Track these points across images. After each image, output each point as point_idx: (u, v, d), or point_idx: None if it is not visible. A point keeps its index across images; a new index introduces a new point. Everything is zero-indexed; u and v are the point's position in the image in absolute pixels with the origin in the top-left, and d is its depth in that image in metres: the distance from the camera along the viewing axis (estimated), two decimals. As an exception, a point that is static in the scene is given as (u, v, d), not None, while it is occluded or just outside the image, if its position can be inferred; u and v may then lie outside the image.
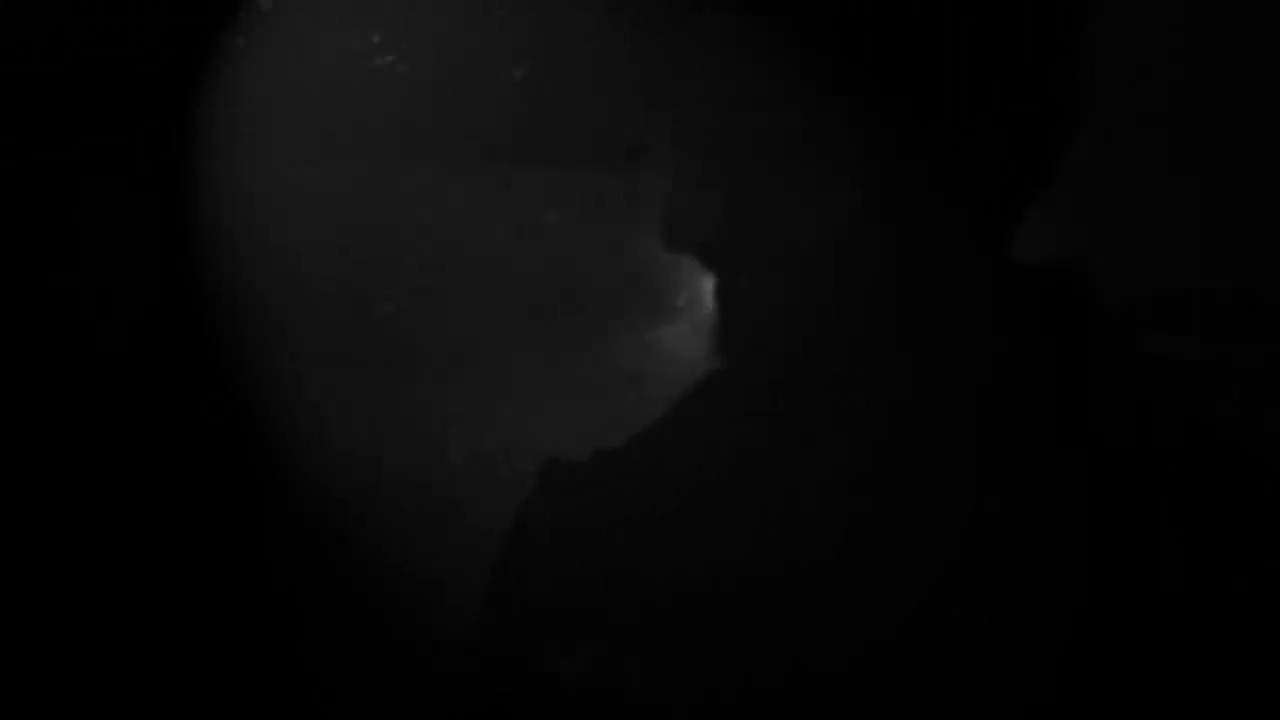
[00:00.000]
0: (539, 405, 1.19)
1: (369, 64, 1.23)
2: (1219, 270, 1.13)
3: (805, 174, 1.13)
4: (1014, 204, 1.11)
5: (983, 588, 1.01)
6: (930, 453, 1.03)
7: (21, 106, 1.20)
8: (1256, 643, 1.01)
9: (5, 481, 1.15)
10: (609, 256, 1.20)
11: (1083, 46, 1.13)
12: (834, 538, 1.03)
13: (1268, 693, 1.01)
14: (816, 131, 1.14)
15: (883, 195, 1.10)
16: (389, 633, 1.22)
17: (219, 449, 1.23)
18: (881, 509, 1.03)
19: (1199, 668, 1.01)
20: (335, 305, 1.23)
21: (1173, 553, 1.01)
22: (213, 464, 1.23)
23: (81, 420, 1.20)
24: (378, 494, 1.22)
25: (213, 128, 1.26)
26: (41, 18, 1.20)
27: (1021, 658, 1.00)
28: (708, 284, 1.19)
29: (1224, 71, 1.15)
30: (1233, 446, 1.06)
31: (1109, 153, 1.14)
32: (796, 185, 1.13)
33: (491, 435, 1.20)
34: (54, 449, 1.18)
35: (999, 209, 1.11)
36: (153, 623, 1.19)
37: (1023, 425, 1.04)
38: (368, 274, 1.22)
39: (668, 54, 1.20)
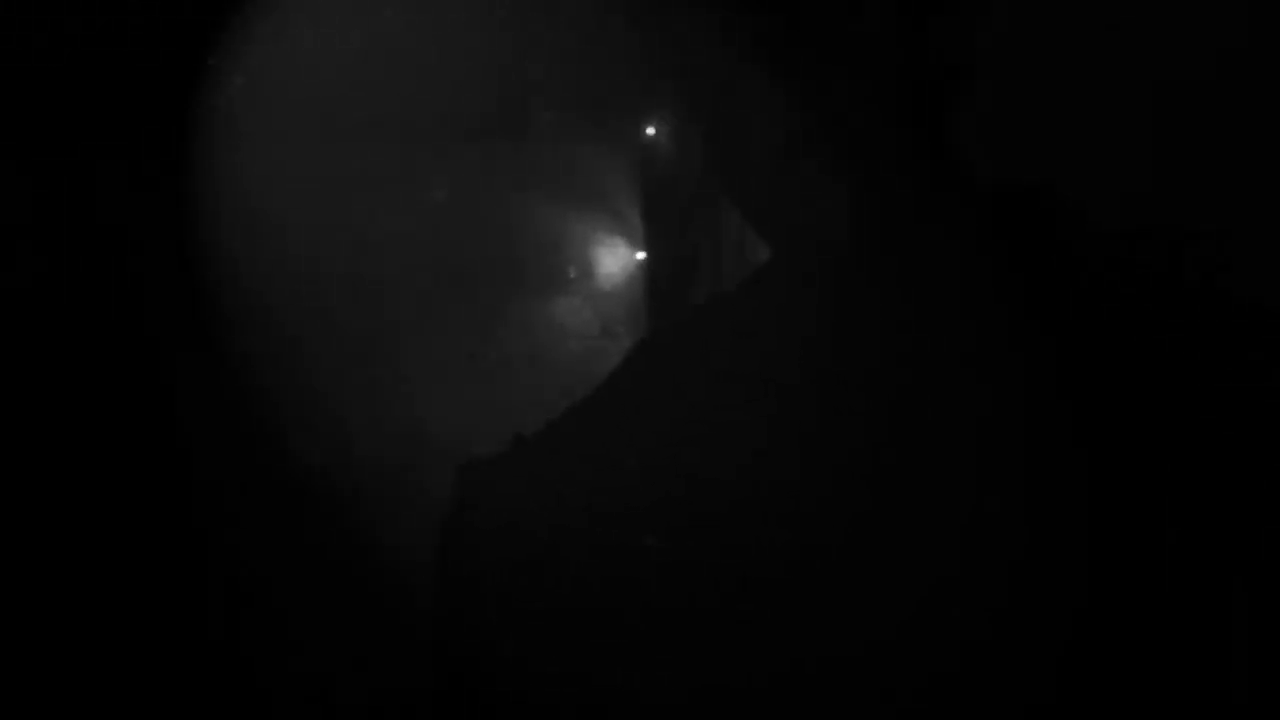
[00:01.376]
0: (440, 387, 1.18)
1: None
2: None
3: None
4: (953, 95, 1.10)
5: (983, 586, 1.01)
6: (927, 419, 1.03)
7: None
8: (1255, 640, 1.02)
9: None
10: (497, 229, 1.19)
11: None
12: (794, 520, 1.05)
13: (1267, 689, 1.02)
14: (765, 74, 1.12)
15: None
16: (317, 617, 1.21)
17: (133, 442, 1.22)
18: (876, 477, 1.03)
19: (1196, 665, 1.02)
20: (233, 297, 1.21)
21: (1171, 551, 1.01)
22: (126, 455, 1.21)
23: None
24: (288, 482, 1.20)
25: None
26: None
27: (1021, 655, 1.01)
28: (598, 255, 1.19)
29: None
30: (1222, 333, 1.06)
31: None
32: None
33: (396, 420, 1.19)
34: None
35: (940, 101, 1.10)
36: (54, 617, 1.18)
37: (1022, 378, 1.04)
38: (263, 264, 1.20)
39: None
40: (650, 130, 1.18)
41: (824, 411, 1.03)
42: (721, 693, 1.02)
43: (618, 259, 1.20)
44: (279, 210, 1.19)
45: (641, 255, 1.19)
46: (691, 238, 1.18)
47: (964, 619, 0.99)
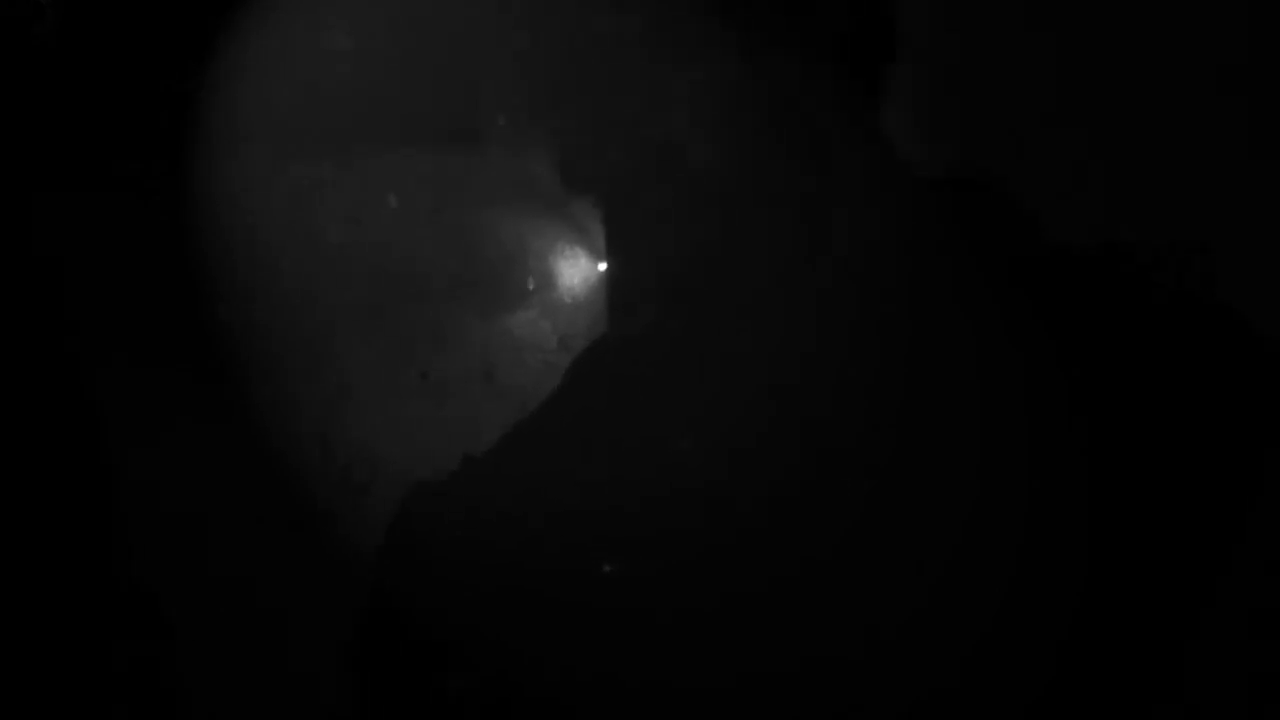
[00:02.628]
0: (389, 404, 1.15)
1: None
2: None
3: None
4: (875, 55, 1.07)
5: (983, 584, 1.00)
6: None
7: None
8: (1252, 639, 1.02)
9: None
10: (452, 240, 1.14)
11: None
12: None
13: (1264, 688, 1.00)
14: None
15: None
16: (250, 644, 1.18)
17: (57, 457, 1.19)
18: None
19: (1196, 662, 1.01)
20: (168, 306, 1.18)
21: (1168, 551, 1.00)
22: (48, 472, 1.19)
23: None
24: (230, 501, 1.18)
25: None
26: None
27: (1022, 650, 1.00)
28: (558, 266, 1.14)
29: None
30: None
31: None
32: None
33: (342, 439, 1.15)
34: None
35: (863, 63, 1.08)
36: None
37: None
38: (205, 275, 1.17)
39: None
40: (612, 138, 1.14)
41: (787, 408, 1.01)
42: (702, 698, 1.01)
43: (578, 271, 1.15)
44: (222, 220, 1.17)
45: (603, 267, 1.14)
46: (655, 248, 1.14)
47: (963, 620, 0.97)
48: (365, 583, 1.11)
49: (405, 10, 1.16)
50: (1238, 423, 1.02)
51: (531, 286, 1.15)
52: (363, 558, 1.11)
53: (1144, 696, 1.01)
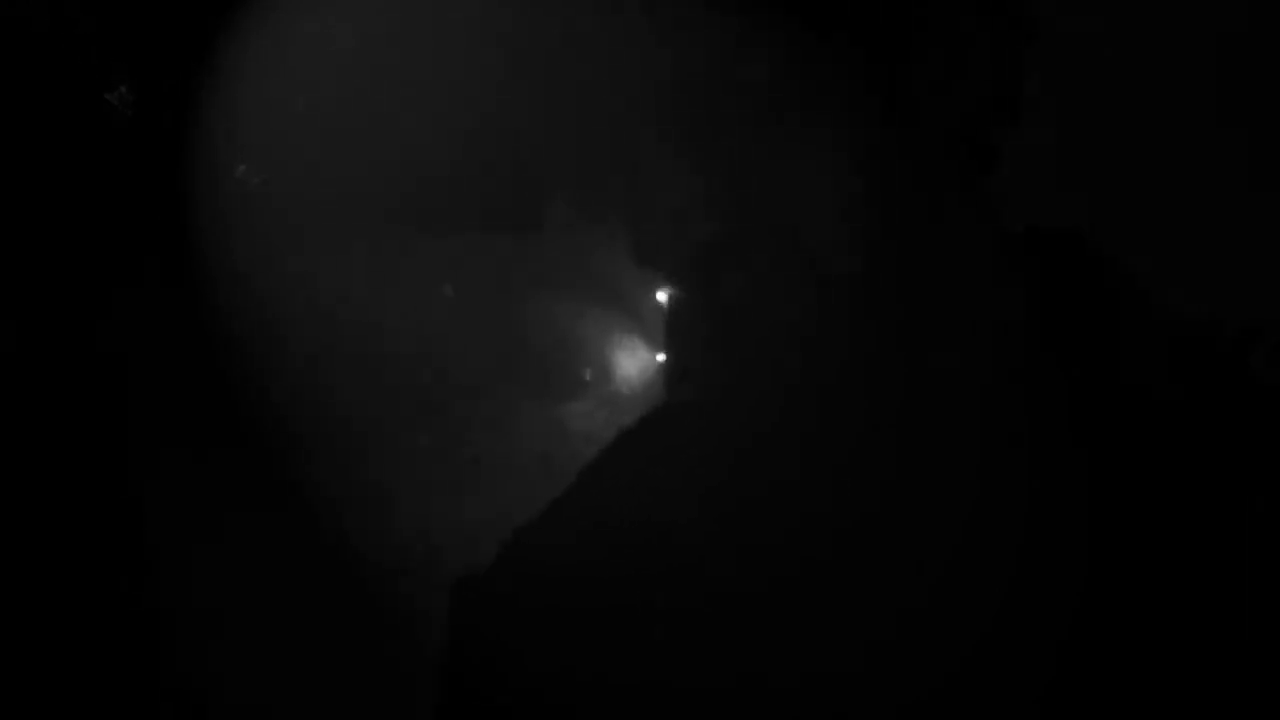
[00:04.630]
0: (444, 490, 1.15)
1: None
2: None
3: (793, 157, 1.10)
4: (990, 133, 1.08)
5: (983, 585, 0.99)
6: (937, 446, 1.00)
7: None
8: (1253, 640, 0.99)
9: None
10: (510, 329, 1.16)
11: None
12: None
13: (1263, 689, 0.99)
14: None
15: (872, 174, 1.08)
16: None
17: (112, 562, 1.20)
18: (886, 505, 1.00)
19: (1195, 663, 0.98)
20: (226, 387, 1.19)
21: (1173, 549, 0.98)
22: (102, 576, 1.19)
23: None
24: (285, 585, 1.17)
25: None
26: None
27: (1021, 652, 0.98)
28: (615, 358, 1.15)
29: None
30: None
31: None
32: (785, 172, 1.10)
33: (397, 523, 1.15)
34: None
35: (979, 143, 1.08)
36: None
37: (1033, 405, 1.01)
38: (264, 358, 1.19)
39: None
40: (673, 228, 1.15)
41: (787, 409, 1.00)
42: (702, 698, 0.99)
43: (635, 361, 1.15)
44: (283, 303, 1.18)
45: (661, 358, 1.14)
46: (717, 336, 1.14)
47: (963, 620, 0.95)
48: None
49: (471, 96, 1.18)
50: (1237, 423, 1.00)
51: (588, 377, 1.15)
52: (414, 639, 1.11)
53: (1143, 696, 0.97)
